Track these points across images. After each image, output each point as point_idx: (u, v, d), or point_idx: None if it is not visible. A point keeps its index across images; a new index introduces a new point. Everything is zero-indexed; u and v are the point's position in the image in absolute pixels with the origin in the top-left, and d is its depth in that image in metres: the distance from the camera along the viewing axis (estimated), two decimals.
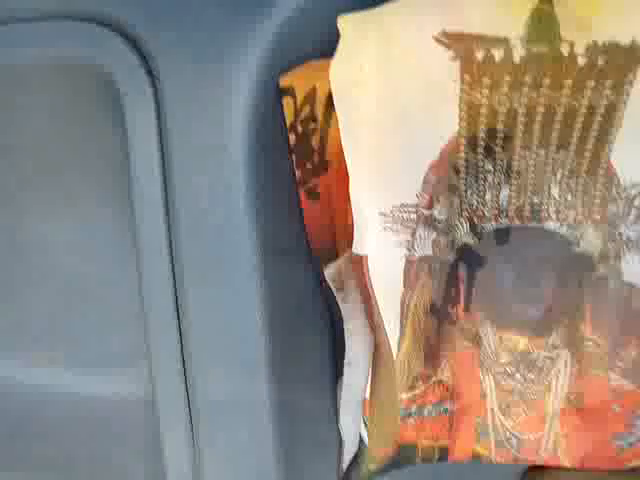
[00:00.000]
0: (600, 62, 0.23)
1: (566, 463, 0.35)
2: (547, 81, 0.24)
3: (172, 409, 0.36)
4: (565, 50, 0.23)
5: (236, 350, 0.33)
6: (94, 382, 0.44)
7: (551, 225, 0.30)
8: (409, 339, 0.33)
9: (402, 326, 0.33)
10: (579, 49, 0.23)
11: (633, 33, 0.23)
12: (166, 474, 0.38)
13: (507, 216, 0.31)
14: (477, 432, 0.36)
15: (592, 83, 0.24)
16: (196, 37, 0.28)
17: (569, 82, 0.24)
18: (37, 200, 0.41)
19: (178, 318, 0.34)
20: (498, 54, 0.24)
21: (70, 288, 0.43)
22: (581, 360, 0.33)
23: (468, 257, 0.33)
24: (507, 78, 0.25)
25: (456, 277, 0.34)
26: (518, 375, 0.35)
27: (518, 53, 0.24)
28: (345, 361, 0.35)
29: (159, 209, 0.31)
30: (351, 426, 0.36)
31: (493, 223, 0.31)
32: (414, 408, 0.34)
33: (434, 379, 0.35)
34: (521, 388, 0.35)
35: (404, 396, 0.34)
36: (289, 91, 0.28)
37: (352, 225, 0.32)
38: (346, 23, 0.26)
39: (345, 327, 0.35)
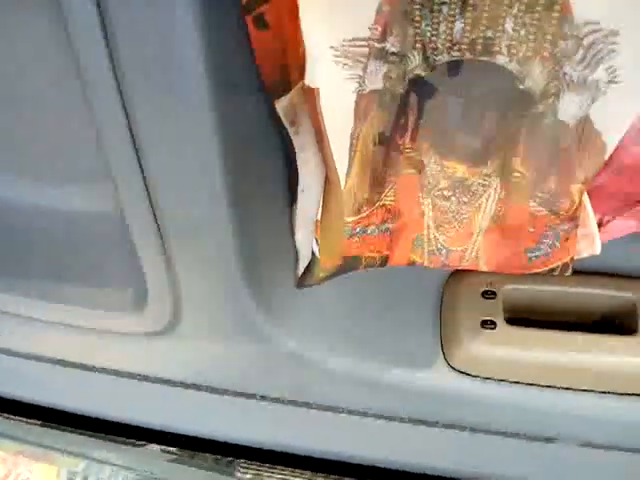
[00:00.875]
0: None
1: (484, 268, 0.42)
2: None
3: (140, 226, 0.39)
4: None
5: (196, 178, 0.35)
6: (71, 197, 0.46)
7: (501, 60, 0.30)
8: (357, 170, 0.36)
9: (350, 158, 0.35)
10: None
11: None
12: (146, 281, 0.43)
13: (460, 49, 0.30)
14: (413, 244, 0.42)
15: None
16: None
17: None
18: None
19: (135, 148, 0.34)
20: None
21: (29, 109, 0.42)
22: (508, 188, 0.36)
23: (420, 87, 0.33)
24: None
25: (407, 107, 0.34)
26: (454, 198, 0.39)
27: None
28: (299, 188, 0.38)
29: (99, 41, 0.29)
30: (304, 241, 0.41)
31: (445, 55, 0.31)
32: (359, 228, 0.39)
33: (378, 204, 0.39)
34: (455, 209, 0.39)
35: (350, 219, 0.38)
36: None
37: (304, 56, 0.31)
38: None
39: (297, 158, 0.36)
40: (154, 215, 0.38)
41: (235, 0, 0.28)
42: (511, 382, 0.41)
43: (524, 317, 0.42)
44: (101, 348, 0.50)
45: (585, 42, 0.28)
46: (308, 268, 0.42)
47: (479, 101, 0.33)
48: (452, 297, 0.44)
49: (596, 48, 0.28)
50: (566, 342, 0.39)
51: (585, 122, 0.31)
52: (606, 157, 0.33)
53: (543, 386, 0.40)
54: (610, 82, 0.29)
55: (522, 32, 0.29)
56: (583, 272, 0.42)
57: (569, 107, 0.31)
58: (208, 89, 0.30)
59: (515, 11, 0.28)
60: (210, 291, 0.42)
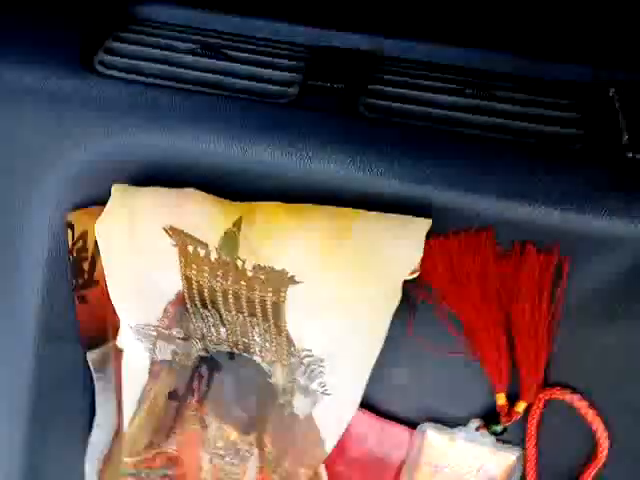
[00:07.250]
0: (262, 277, 0.35)
1: None
2: (231, 278, 0.35)
3: None
4: (240, 264, 0.34)
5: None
6: None
7: (257, 359, 0.41)
8: (142, 417, 0.43)
9: (138, 406, 0.43)
10: (248, 266, 0.34)
11: (284, 264, 0.34)
12: None
13: (229, 345, 0.41)
14: None
15: (259, 288, 0.35)
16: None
17: (244, 283, 0.35)
18: None
19: None
20: (201, 252, 0.35)
21: None
22: (262, 460, 0.44)
23: (206, 362, 0.43)
24: (206, 269, 0.35)
25: (197, 374, 0.44)
26: (227, 458, 0.46)
27: (214, 255, 0.35)
28: (95, 422, 0.45)
29: None
30: (91, 474, 0.46)
31: (220, 346, 0.42)
32: (134, 470, 0.44)
33: (159, 450, 0.45)
34: (228, 469, 0.46)
35: (128, 460, 0.44)
36: (70, 226, 0.38)
37: (119, 323, 0.41)
38: (116, 191, 0.36)
39: (97, 397, 0.44)
40: None
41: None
42: None
43: None
44: None
45: (305, 361, 0.40)
46: None
47: (246, 383, 0.43)
48: None
49: (311, 367, 0.40)
50: None
51: (310, 418, 0.41)
52: (327, 450, 0.41)
53: None
54: (323, 393, 0.40)
55: (267, 344, 0.40)
56: None
57: (300, 404, 0.41)
58: (34, 338, 0.40)
59: (257, 330, 0.39)
60: None
